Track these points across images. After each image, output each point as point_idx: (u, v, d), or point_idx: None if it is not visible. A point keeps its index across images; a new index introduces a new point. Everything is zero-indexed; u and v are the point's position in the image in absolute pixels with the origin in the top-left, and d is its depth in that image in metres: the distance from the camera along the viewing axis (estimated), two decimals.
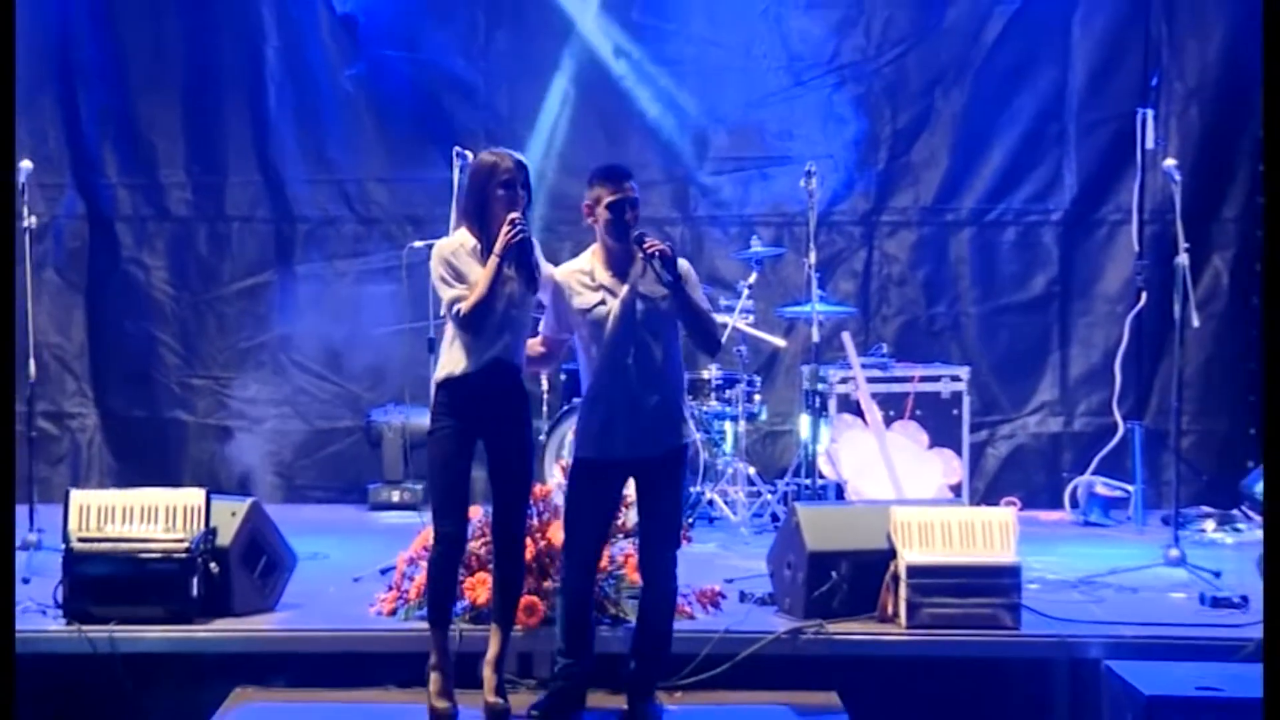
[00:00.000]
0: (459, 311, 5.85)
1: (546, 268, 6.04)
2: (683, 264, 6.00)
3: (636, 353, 5.95)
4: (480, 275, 5.85)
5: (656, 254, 5.85)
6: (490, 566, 6.27)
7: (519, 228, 5.82)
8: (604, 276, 5.99)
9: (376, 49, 10.13)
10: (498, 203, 5.90)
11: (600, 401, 6.00)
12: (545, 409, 9.15)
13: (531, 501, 6.29)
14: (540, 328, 6.17)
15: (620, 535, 6.59)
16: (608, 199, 5.94)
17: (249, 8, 10.08)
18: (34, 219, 8.13)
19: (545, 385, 9.20)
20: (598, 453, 5.99)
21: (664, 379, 6.00)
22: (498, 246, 5.83)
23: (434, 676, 5.99)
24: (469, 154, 7.16)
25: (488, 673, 6.02)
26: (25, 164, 8.06)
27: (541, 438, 8.69)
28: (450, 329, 5.97)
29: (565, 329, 6.08)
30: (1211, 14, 9.99)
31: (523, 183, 5.95)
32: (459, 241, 6.00)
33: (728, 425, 9.14)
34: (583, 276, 6.02)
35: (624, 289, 5.97)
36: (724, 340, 8.70)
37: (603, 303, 5.97)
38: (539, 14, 10.10)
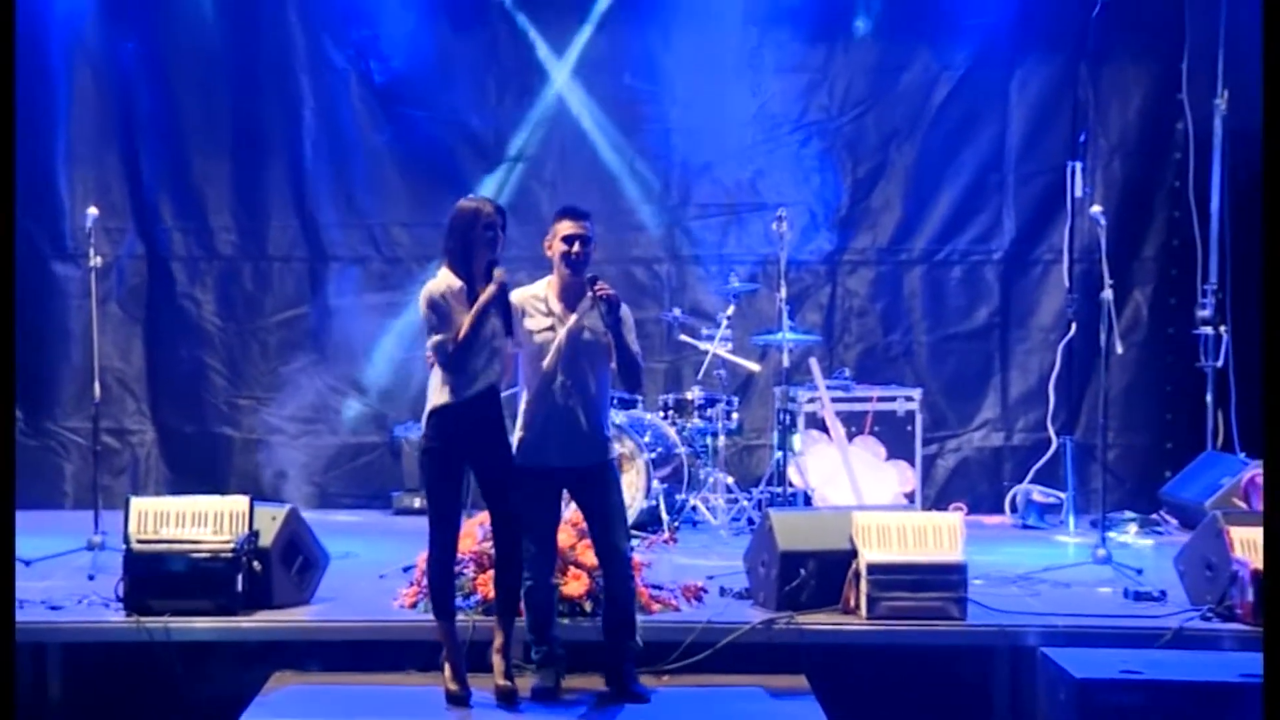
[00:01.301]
0: (447, 353, 5.79)
1: None
2: (624, 309, 6.01)
3: (575, 377, 5.96)
4: (465, 318, 5.78)
5: (604, 298, 5.87)
6: None
7: (502, 284, 5.78)
8: (556, 305, 6.00)
9: (400, 109, 10.15)
10: (481, 245, 5.86)
11: (537, 416, 6.00)
12: None
13: None
14: None
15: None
16: (564, 232, 5.96)
17: (288, 76, 10.08)
18: (99, 259, 8.14)
19: None
20: (534, 461, 5.99)
21: (594, 403, 6.02)
22: (483, 298, 5.76)
23: (447, 664, 5.99)
24: None
25: (496, 659, 6.01)
26: (92, 210, 8.09)
27: None
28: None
29: (518, 344, 6.05)
30: (1131, 80, 10.04)
31: (501, 226, 5.91)
32: (445, 284, 5.87)
33: (709, 440, 9.13)
34: (537, 302, 6.03)
35: (572, 319, 5.97)
36: (705, 367, 8.83)
37: (551, 328, 5.97)
38: (542, 80, 10.13)
